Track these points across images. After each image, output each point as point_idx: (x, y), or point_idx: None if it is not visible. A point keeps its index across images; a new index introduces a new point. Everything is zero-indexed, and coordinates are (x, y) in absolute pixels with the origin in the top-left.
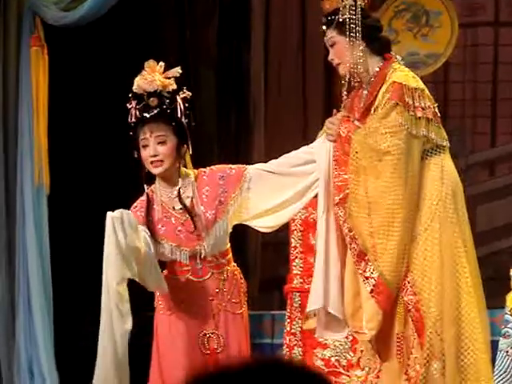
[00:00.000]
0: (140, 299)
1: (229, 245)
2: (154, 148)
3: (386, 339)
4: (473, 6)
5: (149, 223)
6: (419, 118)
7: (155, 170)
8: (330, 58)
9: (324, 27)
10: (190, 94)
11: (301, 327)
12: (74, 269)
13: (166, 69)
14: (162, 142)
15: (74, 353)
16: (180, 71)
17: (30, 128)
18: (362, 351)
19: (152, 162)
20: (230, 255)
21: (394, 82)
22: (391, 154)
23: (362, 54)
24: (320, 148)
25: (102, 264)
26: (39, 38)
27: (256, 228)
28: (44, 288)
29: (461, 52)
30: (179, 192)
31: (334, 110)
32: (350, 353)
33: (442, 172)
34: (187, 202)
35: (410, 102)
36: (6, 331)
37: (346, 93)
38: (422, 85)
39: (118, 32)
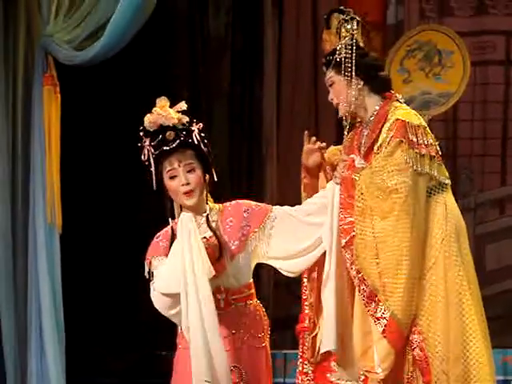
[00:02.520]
0: (145, 337)
1: (251, 279)
2: (185, 176)
3: (395, 380)
4: (483, 44)
5: None
6: (423, 155)
7: (189, 201)
8: (329, 98)
9: (324, 68)
10: (202, 124)
11: (312, 367)
12: (86, 307)
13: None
14: (191, 170)
15: None
16: (185, 105)
17: (42, 167)
18: None
19: (185, 193)
20: (253, 290)
21: (397, 119)
22: (399, 192)
23: (359, 93)
24: (329, 192)
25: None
26: (52, 76)
27: (281, 271)
28: (56, 326)
29: (471, 90)
30: (207, 218)
31: (306, 132)
32: None
33: (446, 210)
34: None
35: (414, 140)
36: (18, 368)
37: (346, 133)
38: (424, 122)
39: (130, 70)
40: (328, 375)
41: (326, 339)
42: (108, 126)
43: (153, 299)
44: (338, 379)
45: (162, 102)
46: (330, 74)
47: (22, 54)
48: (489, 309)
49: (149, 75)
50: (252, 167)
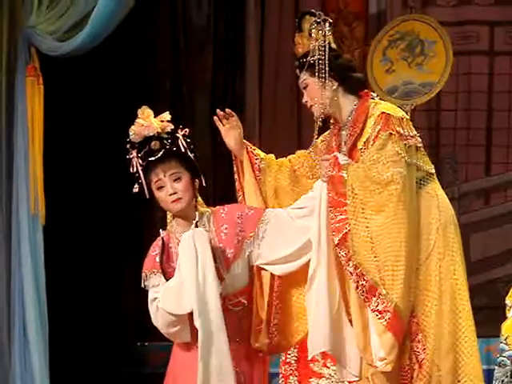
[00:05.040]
0: (128, 328)
1: (247, 282)
2: (172, 186)
3: (392, 372)
4: (467, 34)
5: (165, 268)
6: (410, 146)
7: (176, 207)
8: (304, 100)
9: (297, 71)
10: (188, 130)
11: (296, 357)
12: (69, 298)
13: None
14: (177, 179)
15: (70, 382)
16: (169, 116)
17: (25, 158)
18: None
19: (172, 202)
20: (251, 292)
21: (382, 112)
22: (395, 183)
23: (334, 94)
24: (316, 192)
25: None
26: (35, 67)
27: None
28: (40, 317)
29: (454, 80)
30: (196, 225)
31: (218, 112)
32: (346, 383)
33: (438, 200)
34: None
35: (401, 131)
36: (1, 358)
37: (316, 134)
38: (406, 115)
39: (113, 61)
40: (311, 365)
41: (319, 340)
42: (91, 117)
43: (154, 317)
44: (321, 369)
45: (145, 112)
46: (304, 77)
47: (5, 45)
48: (474, 299)
49: (132, 66)
50: (234, 160)
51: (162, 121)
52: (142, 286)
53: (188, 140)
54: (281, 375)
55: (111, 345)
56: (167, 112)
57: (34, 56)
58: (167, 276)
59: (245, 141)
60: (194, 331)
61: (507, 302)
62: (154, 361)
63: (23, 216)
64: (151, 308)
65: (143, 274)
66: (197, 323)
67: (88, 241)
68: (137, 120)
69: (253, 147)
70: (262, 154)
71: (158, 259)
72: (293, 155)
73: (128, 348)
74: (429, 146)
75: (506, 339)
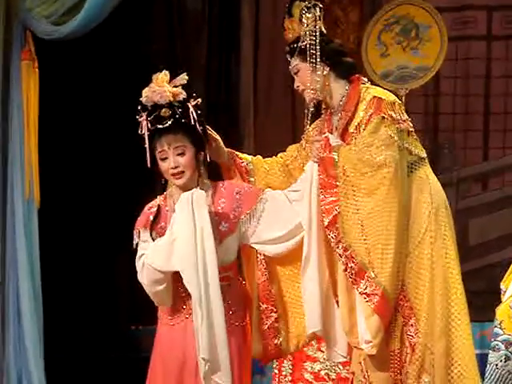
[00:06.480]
0: (121, 312)
1: (235, 256)
2: (175, 160)
3: (380, 355)
4: (465, 19)
5: (156, 229)
6: (402, 130)
7: (178, 182)
8: (295, 85)
9: (288, 56)
10: (200, 100)
11: None
12: (64, 282)
13: None
14: (181, 153)
15: (63, 365)
16: (186, 77)
17: (20, 142)
18: (353, 373)
19: (173, 174)
20: (237, 268)
21: (374, 97)
22: (388, 167)
23: (325, 79)
24: (308, 174)
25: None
26: (30, 51)
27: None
28: (34, 301)
29: (452, 65)
30: None
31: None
32: (340, 366)
33: (429, 184)
34: None
35: (394, 115)
36: None
37: (308, 121)
38: (397, 99)
39: (108, 46)
40: (305, 349)
41: (311, 321)
42: (87, 100)
43: (139, 273)
44: (315, 353)
45: (159, 77)
46: (295, 62)
47: (1, 29)
48: (472, 283)
49: (126, 50)
50: (229, 144)
51: (177, 86)
52: (134, 244)
53: (199, 111)
54: (275, 359)
55: (105, 329)
56: (184, 74)
57: (29, 40)
58: (159, 236)
59: (229, 149)
60: (176, 300)
61: (502, 286)
62: (147, 345)
63: (18, 199)
64: (138, 264)
65: (135, 231)
66: (186, 277)
67: (82, 225)
68: (151, 84)
69: (237, 152)
70: (249, 157)
71: (151, 217)
72: (283, 152)
73: (121, 332)
74: (427, 130)
75: (500, 323)
